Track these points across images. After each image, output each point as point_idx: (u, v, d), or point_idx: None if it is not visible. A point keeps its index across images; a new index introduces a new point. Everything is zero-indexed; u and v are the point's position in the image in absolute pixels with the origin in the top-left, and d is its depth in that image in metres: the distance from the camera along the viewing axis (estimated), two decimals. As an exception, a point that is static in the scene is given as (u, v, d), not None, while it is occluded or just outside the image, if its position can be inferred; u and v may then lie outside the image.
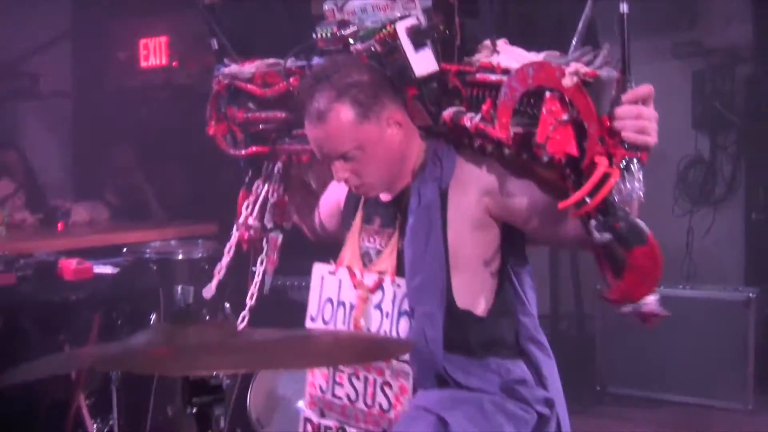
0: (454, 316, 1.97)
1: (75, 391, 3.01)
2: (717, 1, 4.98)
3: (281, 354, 1.37)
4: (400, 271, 2.03)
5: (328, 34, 2.09)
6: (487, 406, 1.94)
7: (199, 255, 4.10)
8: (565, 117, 1.71)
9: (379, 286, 2.06)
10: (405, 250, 2.02)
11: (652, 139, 1.66)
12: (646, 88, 1.68)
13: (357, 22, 2.07)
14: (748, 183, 4.99)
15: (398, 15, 1.97)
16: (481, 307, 2.01)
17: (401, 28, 1.92)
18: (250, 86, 2.38)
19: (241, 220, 2.49)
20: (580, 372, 4.46)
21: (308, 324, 2.21)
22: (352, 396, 2.08)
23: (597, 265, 1.80)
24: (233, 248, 2.53)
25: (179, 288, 3.16)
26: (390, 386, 2.00)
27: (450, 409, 1.91)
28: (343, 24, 2.09)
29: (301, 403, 2.27)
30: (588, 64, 1.73)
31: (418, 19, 1.93)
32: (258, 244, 2.52)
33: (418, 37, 1.93)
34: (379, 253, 2.11)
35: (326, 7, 2.14)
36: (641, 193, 1.67)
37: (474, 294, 2.01)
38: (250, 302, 2.46)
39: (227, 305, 4.25)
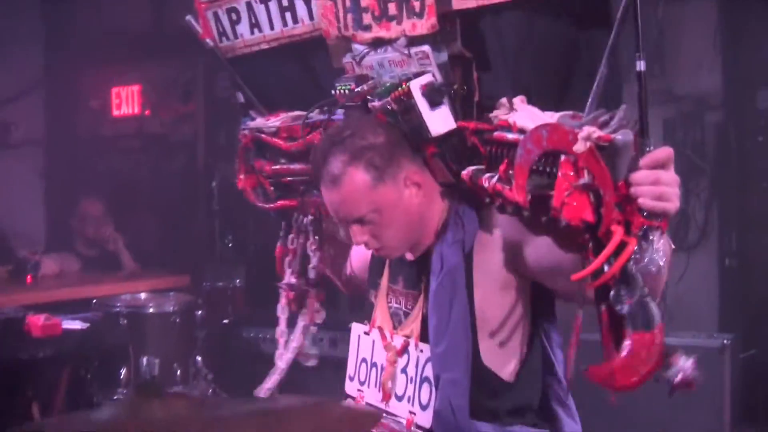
0: (480, 381, 1.89)
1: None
2: (686, 49, 5.04)
3: (245, 430, 1.34)
4: (424, 336, 1.96)
5: (346, 90, 2.04)
6: None
7: (171, 308, 4.05)
8: (581, 182, 1.59)
9: (404, 349, 2.01)
10: (429, 316, 1.95)
11: (672, 205, 1.54)
12: (665, 152, 1.55)
13: (375, 77, 2.02)
14: (721, 229, 5.02)
15: (413, 71, 1.91)
16: (508, 371, 1.93)
17: (416, 86, 1.86)
18: (275, 140, 2.35)
19: (285, 279, 2.44)
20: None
21: (347, 384, 2.17)
22: None
23: (600, 330, 1.65)
24: (286, 308, 2.46)
25: (144, 360, 3.10)
26: None
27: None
28: (362, 79, 2.03)
29: None
30: (603, 125, 1.60)
31: (433, 76, 1.88)
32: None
33: (433, 95, 1.86)
34: (407, 315, 2.05)
35: (345, 60, 2.10)
36: (661, 264, 1.54)
37: (503, 357, 1.92)
38: (282, 366, 2.42)
39: (199, 359, 4.20)
